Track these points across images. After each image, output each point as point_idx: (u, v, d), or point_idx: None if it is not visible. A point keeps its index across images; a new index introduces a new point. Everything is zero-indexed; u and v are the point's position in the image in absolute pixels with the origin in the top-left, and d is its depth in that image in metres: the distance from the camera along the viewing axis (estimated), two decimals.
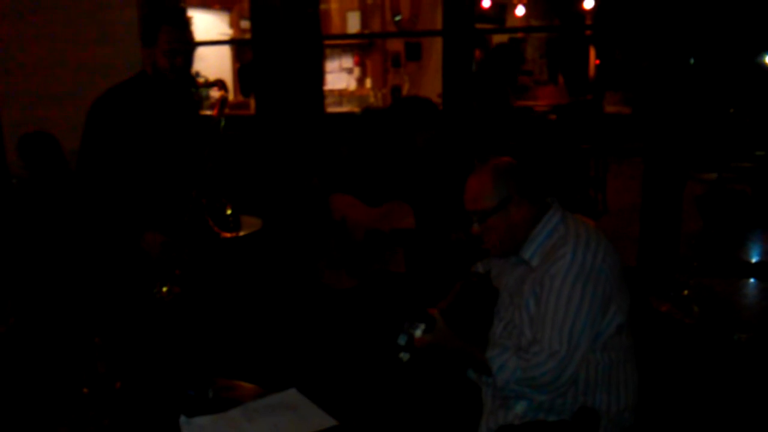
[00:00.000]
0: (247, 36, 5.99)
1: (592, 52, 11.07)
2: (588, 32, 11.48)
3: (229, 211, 2.57)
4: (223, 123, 2.50)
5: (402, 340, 1.79)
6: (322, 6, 7.75)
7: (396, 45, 8.88)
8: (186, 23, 2.51)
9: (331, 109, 6.73)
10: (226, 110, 2.57)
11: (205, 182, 2.51)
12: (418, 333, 1.79)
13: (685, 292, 2.45)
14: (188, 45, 2.52)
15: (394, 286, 2.72)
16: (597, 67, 10.91)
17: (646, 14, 3.56)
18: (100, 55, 4.17)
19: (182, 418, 1.75)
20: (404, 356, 1.80)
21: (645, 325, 2.16)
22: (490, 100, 4.96)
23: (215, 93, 2.55)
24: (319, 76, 4.77)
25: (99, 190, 2.49)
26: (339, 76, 8.67)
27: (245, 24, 7.98)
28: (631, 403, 1.87)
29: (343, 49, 8.72)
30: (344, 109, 7.25)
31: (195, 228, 2.49)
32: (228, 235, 2.57)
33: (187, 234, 2.46)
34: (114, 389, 1.81)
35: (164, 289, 2.42)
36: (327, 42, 8.00)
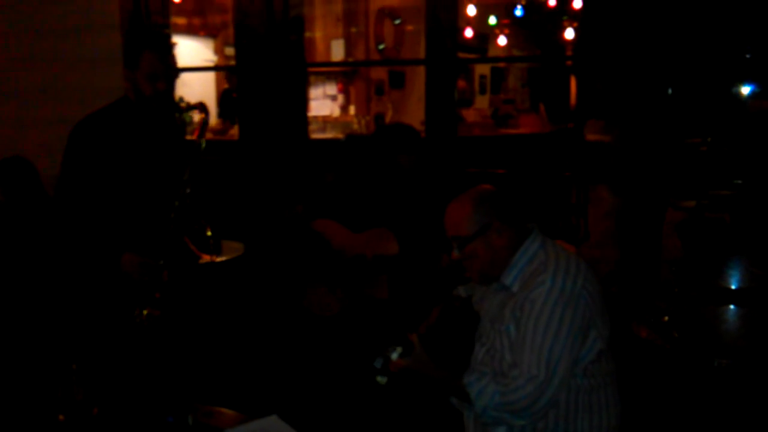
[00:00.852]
0: (232, 63, 6.02)
1: (573, 82, 11.21)
2: (569, 62, 11.65)
3: (209, 233, 2.56)
4: (203, 145, 2.50)
5: (378, 363, 1.79)
6: (307, 34, 7.80)
7: (380, 73, 8.95)
8: (168, 48, 2.52)
9: (315, 136, 6.75)
10: (209, 134, 2.58)
11: (184, 205, 2.50)
12: (394, 356, 1.78)
13: (666, 318, 2.47)
14: (170, 70, 2.52)
15: (376, 312, 2.71)
16: (578, 95, 11.04)
17: (626, 45, 3.62)
18: (82, 79, 4.17)
19: None
20: (381, 379, 1.79)
21: (625, 351, 2.16)
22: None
23: (196, 116, 2.56)
24: (303, 102, 4.80)
25: (78, 214, 2.48)
26: (323, 102, 8.71)
27: (230, 51, 8.02)
28: (612, 429, 1.87)
29: (327, 77, 8.77)
30: (328, 135, 7.28)
31: (174, 250, 2.47)
32: (207, 257, 2.55)
33: (166, 256, 2.44)
34: (91, 416, 1.78)
35: (144, 312, 2.39)
36: (311, 69, 8.05)
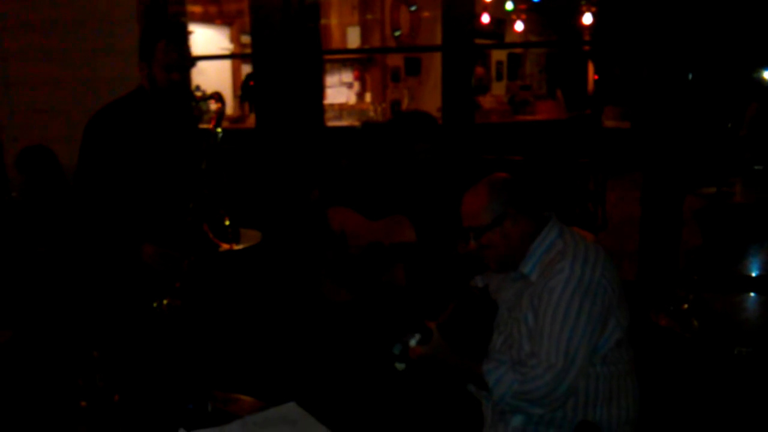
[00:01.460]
0: (248, 51, 6.02)
1: (591, 67, 11.13)
2: (586, 47, 11.55)
3: (227, 222, 2.57)
4: (220, 135, 2.51)
5: (396, 350, 1.79)
6: (323, 21, 7.79)
7: (396, 60, 8.93)
8: (183, 38, 2.52)
9: (331, 123, 6.75)
10: (226, 123, 2.58)
11: (202, 194, 2.50)
12: (413, 343, 1.78)
13: (685, 306, 2.45)
14: (185, 60, 2.53)
15: (393, 299, 2.72)
16: (596, 82, 10.97)
17: (644, 30, 3.58)
18: (100, 69, 4.19)
19: None
20: (400, 366, 1.79)
21: (645, 339, 2.15)
22: None
23: (212, 105, 2.56)
24: (319, 90, 4.79)
25: (96, 204, 2.50)
26: (339, 90, 8.71)
27: (246, 39, 8.02)
28: (632, 417, 1.86)
29: (343, 64, 8.77)
30: (344, 122, 7.29)
31: (193, 239, 2.49)
32: (226, 246, 2.56)
33: (186, 245, 2.46)
34: (112, 403, 1.80)
35: (165, 302, 2.41)
36: (327, 57, 8.04)
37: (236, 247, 2.68)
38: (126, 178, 2.48)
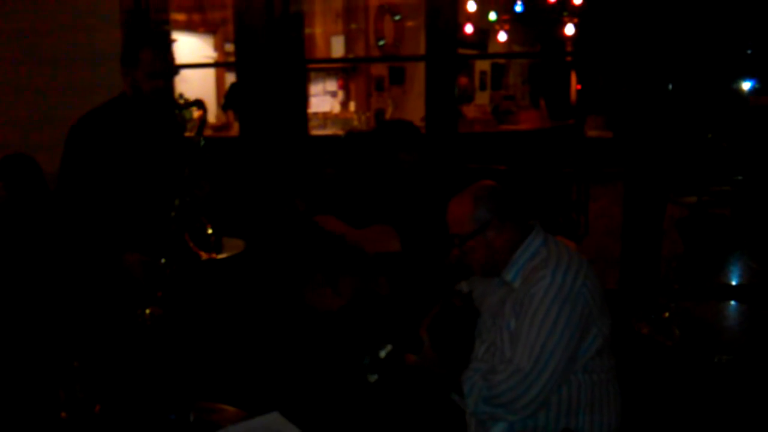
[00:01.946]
0: (232, 59, 6.01)
1: (573, 78, 11.23)
2: (569, 58, 11.66)
3: (209, 231, 2.56)
4: (202, 142, 2.50)
5: (366, 361, 1.79)
6: (307, 30, 7.80)
7: (380, 69, 8.95)
8: (167, 46, 2.52)
9: (315, 132, 6.75)
10: (209, 131, 2.58)
11: (185, 203, 2.49)
12: (382, 353, 1.78)
13: (666, 314, 2.47)
14: (169, 68, 2.52)
15: (378, 308, 2.72)
16: (578, 92, 11.06)
17: (625, 41, 3.62)
18: (83, 77, 4.16)
19: None
20: (371, 377, 1.79)
21: (626, 347, 2.17)
22: None
23: (194, 113, 2.56)
24: (303, 99, 4.79)
25: (78, 212, 2.48)
26: (323, 99, 8.71)
27: (229, 47, 8.01)
28: (613, 425, 1.87)
29: (328, 73, 8.78)
30: (328, 131, 7.28)
31: (175, 248, 2.47)
32: (206, 255, 2.55)
33: (167, 255, 2.44)
34: (93, 413, 1.78)
35: (147, 311, 2.39)
36: (311, 65, 8.05)
37: (219, 257, 2.68)
38: (108, 185, 2.47)
